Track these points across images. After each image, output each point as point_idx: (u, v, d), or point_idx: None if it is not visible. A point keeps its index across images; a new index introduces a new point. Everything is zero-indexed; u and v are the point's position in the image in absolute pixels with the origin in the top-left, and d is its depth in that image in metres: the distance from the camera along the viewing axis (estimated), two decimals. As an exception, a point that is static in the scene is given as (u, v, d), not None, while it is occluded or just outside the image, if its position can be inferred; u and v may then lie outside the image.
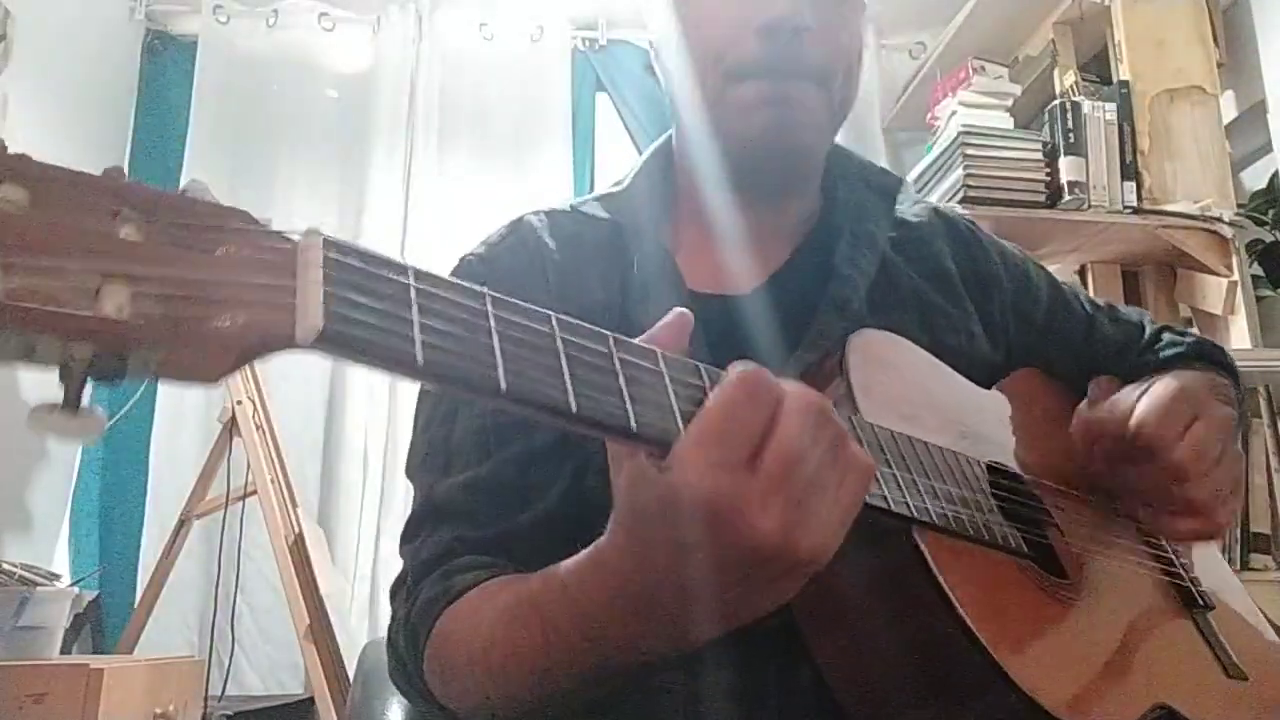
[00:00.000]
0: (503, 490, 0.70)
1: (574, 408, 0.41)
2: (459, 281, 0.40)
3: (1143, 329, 0.95)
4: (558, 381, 0.41)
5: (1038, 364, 0.87)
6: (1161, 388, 0.71)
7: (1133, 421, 0.69)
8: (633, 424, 0.43)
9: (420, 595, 0.66)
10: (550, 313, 0.43)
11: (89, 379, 0.32)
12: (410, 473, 0.77)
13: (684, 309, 0.50)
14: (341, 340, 0.35)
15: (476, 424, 0.73)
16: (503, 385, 0.39)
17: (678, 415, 0.45)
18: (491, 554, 0.68)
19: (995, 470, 0.68)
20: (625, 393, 0.43)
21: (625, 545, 0.48)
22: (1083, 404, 0.75)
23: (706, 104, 0.76)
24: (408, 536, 0.73)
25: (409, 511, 0.76)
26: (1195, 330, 2.01)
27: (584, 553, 0.53)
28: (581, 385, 0.42)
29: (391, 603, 0.73)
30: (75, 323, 0.31)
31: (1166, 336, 0.95)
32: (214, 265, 0.34)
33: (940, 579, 0.55)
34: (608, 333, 0.45)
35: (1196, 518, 0.70)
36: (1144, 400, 0.70)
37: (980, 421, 0.73)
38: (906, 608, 0.50)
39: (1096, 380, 0.78)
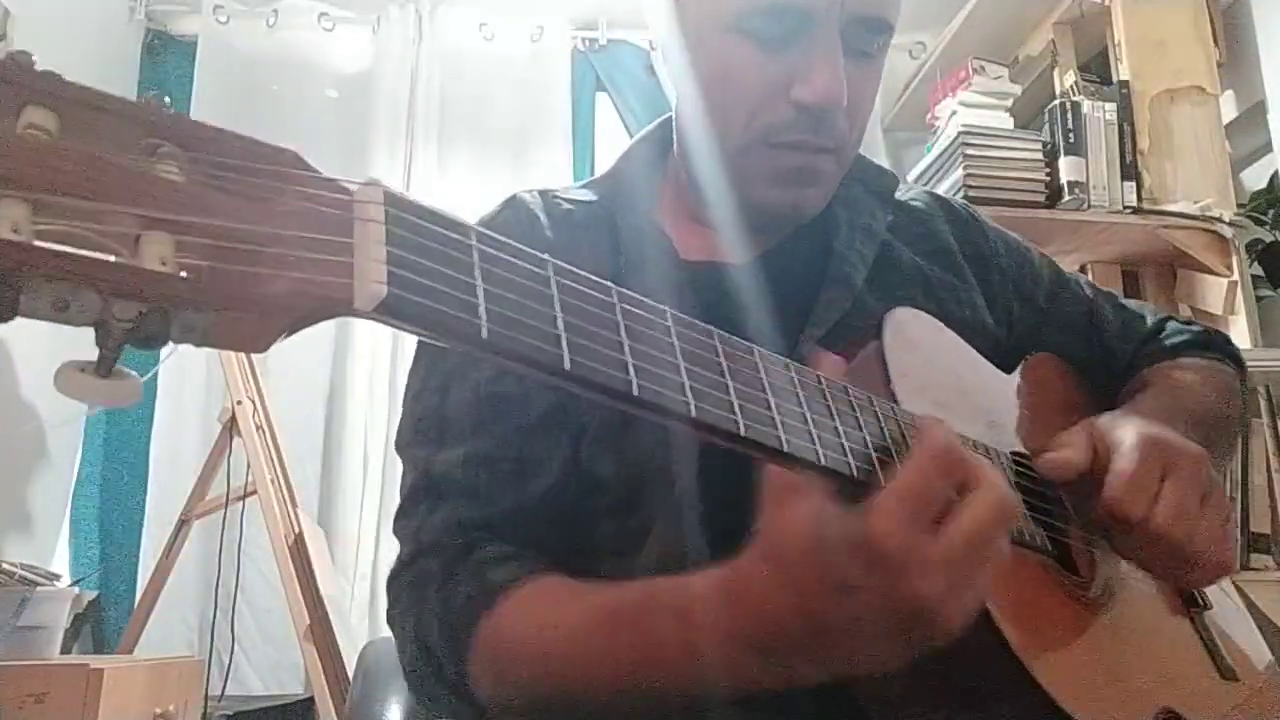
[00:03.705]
0: (502, 465, 0.69)
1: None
2: (519, 246, 0.38)
3: (1144, 318, 0.95)
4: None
5: (1041, 346, 0.86)
6: (1128, 448, 0.67)
7: (1103, 499, 0.66)
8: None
9: (455, 594, 0.64)
10: (611, 286, 0.41)
11: (128, 341, 0.28)
12: (401, 447, 0.75)
13: (839, 357, 0.51)
14: (403, 311, 0.32)
15: (470, 395, 0.71)
16: (566, 364, 0.36)
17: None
18: (502, 534, 0.68)
19: (1018, 463, 0.68)
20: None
21: (771, 578, 0.48)
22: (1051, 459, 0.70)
23: (727, 157, 0.75)
24: (404, 512, 0.72)
25: (399, 490, 0.74)
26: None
27: (707, 577, 0.52)
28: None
29: (390, 588, 0.71)
30: (117, 275, 0.27)
31: (1171, 325, 0.95)
32: (264, 215, 0.30)
33: None
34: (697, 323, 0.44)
35: (1195, 569, 0.68)
36: (1111, 469, 0.66)
37: (1003, 410, 0.73)
38: None
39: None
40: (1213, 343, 0.94)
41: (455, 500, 0.69)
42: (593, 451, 0.70)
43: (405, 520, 0.71)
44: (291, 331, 0.31)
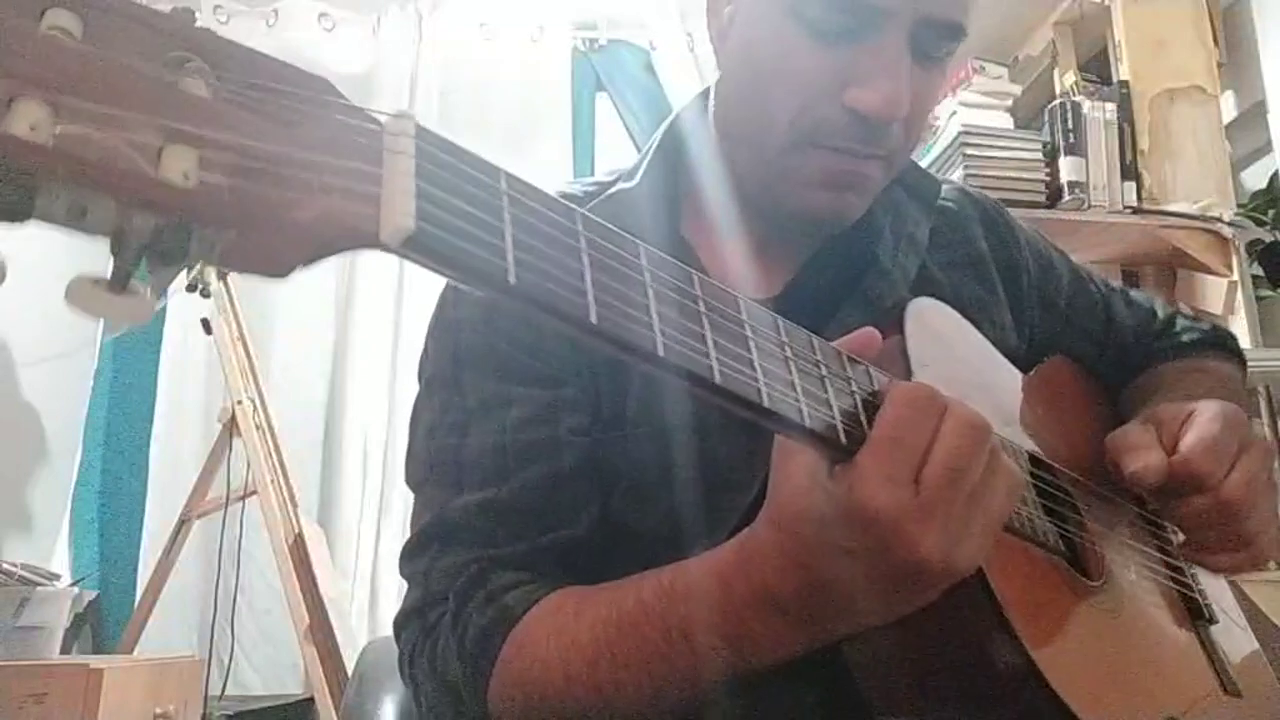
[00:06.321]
0: (523, 515, 0.66)
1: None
2: (546, 193, 0.37)
3: (1154, 313, 0.95)
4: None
5: (1058, 349, 0.86)
6: (1208, 416, 0.67)
7: (1178, 456, 0.66)
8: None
9: (470, 624, 0.62)
10: (639, 244, 0.39)
11: (145, 256, 0.27)
12: (413, 483, 0.72)
13: (873, 329, 0.50)
14: (430, 247, 0.31)
15: (493, 440, 0.67)
16: (593, 317, 0.35)
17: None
18: (514, 567, 0.64)
19: (1034, 462, 0.67)
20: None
21: (782, 545, 0.49)
22: (1117, 434, 0.70)
23: (768, 154, 0.69)
24: (412, 554, 0.68)
25: (409, 522, 0.72)
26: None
27: (724, 551, 0.53)
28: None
29: (399, 634, 0.68)
30: (137, 184, 0.26)
31: (1181, 322, 0.94)
32: (291, 138, 0.29)
33: (984, 571, 0.54)
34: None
35: (1241, 552, 0.68)
36: (1191, 430, 0.67)
37: (1020, 410, 0.72)
38: (947, 598, 0.49)
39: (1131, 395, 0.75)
40: (1219, 341, 0.94)
41: (469, 545, 0.65)
42: (627, 504, 0.68)
43: (414, 562, 0.68)
44: (311, 261, 0.30)
